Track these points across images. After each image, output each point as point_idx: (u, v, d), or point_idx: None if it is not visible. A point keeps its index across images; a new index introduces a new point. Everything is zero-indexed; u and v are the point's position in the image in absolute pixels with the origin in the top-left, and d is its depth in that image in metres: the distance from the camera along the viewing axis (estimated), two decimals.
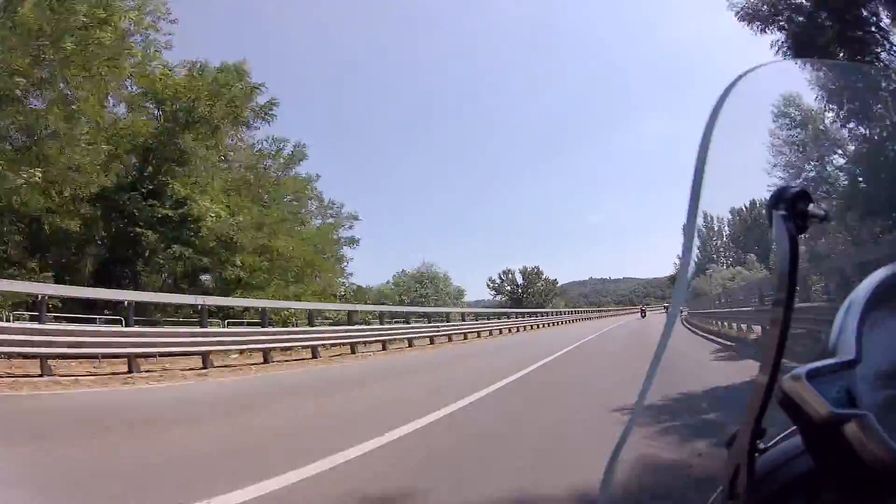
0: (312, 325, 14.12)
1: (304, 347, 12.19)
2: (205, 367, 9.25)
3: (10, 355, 7.64)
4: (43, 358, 7.47)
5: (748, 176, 0.60)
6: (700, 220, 0.47)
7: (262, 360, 10.58)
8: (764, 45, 10.06)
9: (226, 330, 12.02)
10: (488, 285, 57.65)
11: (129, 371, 8.22)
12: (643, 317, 40.83)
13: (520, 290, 57.06)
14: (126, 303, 10.12)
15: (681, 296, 0.48)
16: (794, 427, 0.37)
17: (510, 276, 58.65)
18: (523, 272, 58.92)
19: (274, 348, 11.05)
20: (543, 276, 58.80)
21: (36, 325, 8.26)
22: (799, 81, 0.60)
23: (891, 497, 0.33)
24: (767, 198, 0.40)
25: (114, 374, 8.17)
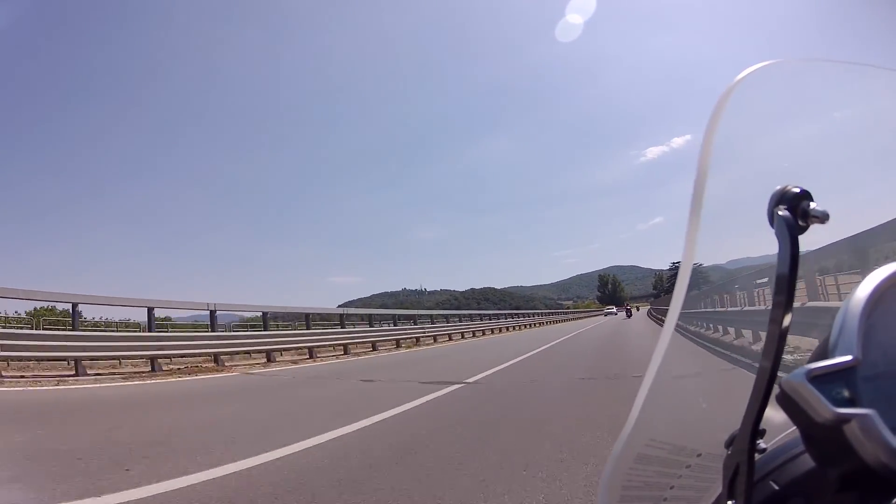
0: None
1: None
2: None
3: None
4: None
5: (750, 175, 0.59)
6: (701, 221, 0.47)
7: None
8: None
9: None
10: None
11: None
12: (629, 316, 40.09)
13: None
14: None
15: (681, 298, 0.48)
16: (794, 427, 0.37)
17: None
18: None
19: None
20: None
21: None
22: (802, 81, 0.59)
23: (891, 497, 0.33)
24: (769, 197, 0.40)
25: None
